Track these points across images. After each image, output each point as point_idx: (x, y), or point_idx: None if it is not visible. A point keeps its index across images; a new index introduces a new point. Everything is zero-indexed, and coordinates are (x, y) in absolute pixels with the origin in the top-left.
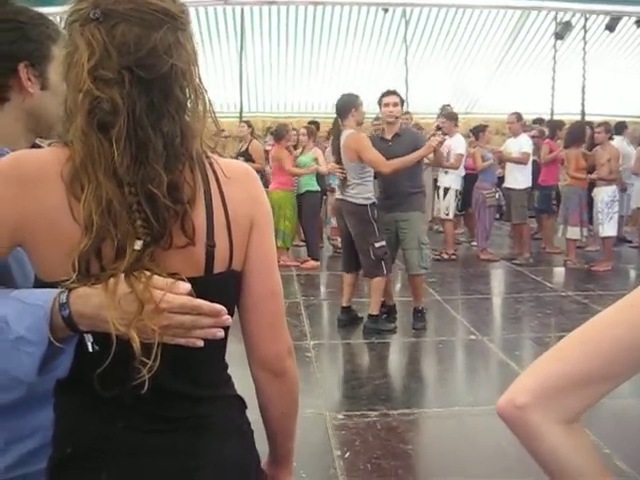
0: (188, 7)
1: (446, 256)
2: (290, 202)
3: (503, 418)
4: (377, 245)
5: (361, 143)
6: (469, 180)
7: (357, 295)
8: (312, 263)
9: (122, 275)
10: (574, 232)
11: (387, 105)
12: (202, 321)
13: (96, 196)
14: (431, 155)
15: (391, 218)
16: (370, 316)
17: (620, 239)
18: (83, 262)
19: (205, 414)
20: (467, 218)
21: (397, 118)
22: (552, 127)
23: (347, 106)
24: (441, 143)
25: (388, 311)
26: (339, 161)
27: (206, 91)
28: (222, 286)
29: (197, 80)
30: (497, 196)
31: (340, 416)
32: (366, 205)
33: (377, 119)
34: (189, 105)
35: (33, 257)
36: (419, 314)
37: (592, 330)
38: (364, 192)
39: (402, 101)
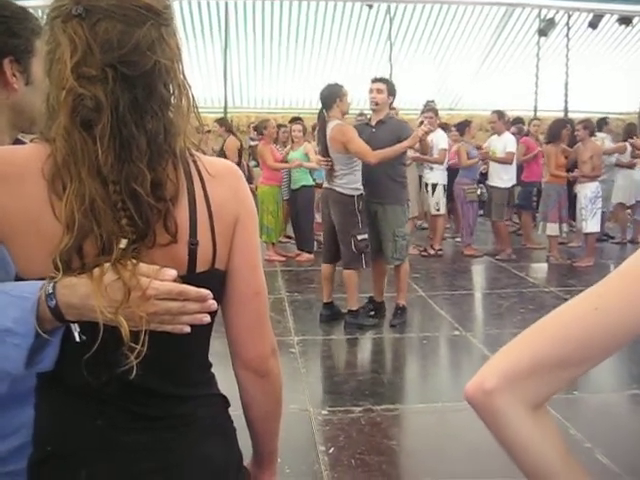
0: (172, 2)
1: (432, 251)
2: (274, 197)
3: (471, 403)
4: (359, 237)
5: (347, 134)
6: (451, 174)
7: (341, 291)
8: (306, 256)
9: (108, 264)
10: (553, 229)
11: (371, 91)
12: (189, 307)
13: (79, 194)
14: (417, 146)
15: (372, 207)
16: (350, 311)
17: (604, 235)
18: (64, 260)
19: (187, 413)
20: (453, 212)
21: (378, 105)
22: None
23: (332, 96)
24: (427, 133)
25: (376, 308)
26: (324, 152)
27: (190, 87)
28: (205, 285)
29: (181, 76)
30: (479, 192)
31: (324, 412)
32: (353, 196)
33: (361, 115)
34: (173, 101)
35: (14, 254)
36: (398, 311)
37: (562, 316)
38: (352, 182)
39: (391, 90)
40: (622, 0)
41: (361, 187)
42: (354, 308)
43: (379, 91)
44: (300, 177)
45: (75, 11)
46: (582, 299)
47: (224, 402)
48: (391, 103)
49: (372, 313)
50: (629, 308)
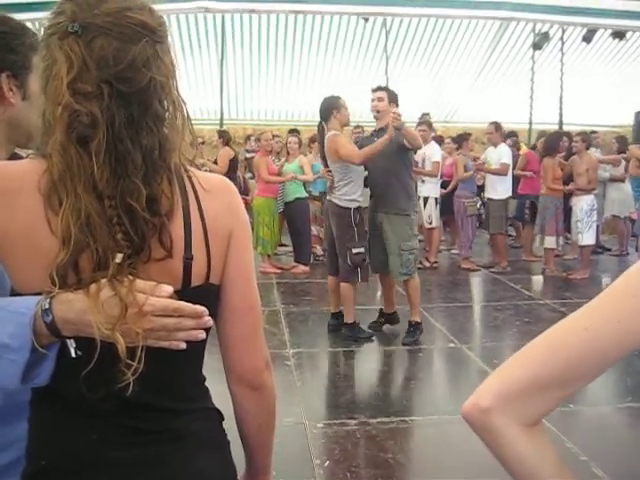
0: (169, 15)
1: (428, 264)
2: (269, 209)
3: (467, 421)
4: (354, 251)
5: (337, 141)
6: (446, 187)
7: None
8: (302, 268)
9: (104, 280)
10: (550, 241)
11: (373, 100)
12: (184, 323)
13: (75, 209)
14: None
15: (377, 219)
16: (346, 324)
17: (600, 247)
18: (60, 275)
19: (181, 427)
20: (450, 224)
21: (379, 112)
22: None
23: (329, 109)
24: (397, 120)
25: (388, 320)
26: (326, 164)
27: (185, 103)
28: (200, 299)
29: (176, 92)
30: (478, 205)
31: (320, 425)
32: (350, 208)
33: (357, 127)
34: (168, 117)
35: (10, 268)
36: (411, 328)
37: (555, 335)
38: (349, 194)
39: (392, 98)
40: (616, 15)
41: (359, 199)
42: (350, 321)
43: (380, 99)
44: (294, 189)
45: (71, 28)
46: (573, 319)
47: (218, 416)
48: None
49: (385, 324)
50: (618, 327)
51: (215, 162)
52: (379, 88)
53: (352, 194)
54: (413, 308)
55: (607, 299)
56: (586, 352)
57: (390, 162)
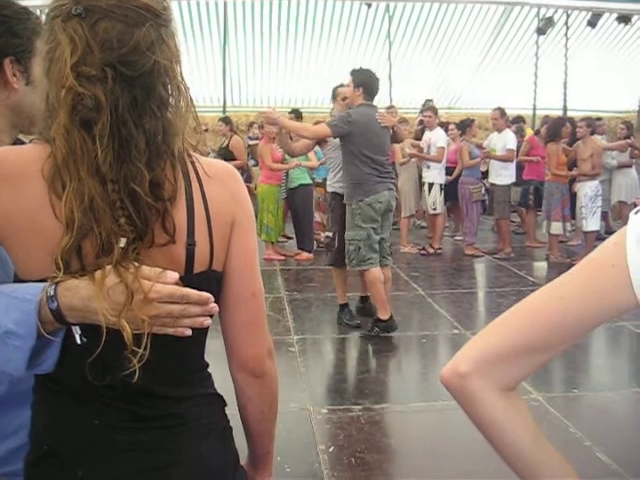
0: (171, 0)
1: (431, 250)
2: (274, 196)
3: (446, 386)
4: (324, 234)
5: None
6: (450, 173)
7: (354, 290)
8: (306, 255)
9: (110, 266)
10: (556, 227)
11: None
12: (190, 310)
13: (78, 193)
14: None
15: None
16: (339, 305)
17: (611, 232)
18: (65, 260)
19: (184, 412)
20: (453, 210)
21: (345, 99)
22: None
23: (332, 98)
24: (264, 117)
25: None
26: None
27: (188, 88)
28: (202, 286)
29: (179, 77)
30: (482, 191)
31: (324, 410)
32: (330, 192)
33: None
34: (171, 102)
35: (14, 254)
36: (370, 324)
37: (531, 304)
38: (331, 179)
39: (358, 81)
40: None
41: (334, 185)
42: (340, 302)
43: (348, 85)
44: (298, 176)
45: (75, 11)
46: (550, 288)
47: (221, 402)
48: (369, 96)
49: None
50: (593, 295)
51: (232, 157)
52: (350, 72)
53: (332, 179)
54: (375, 302)
55: (585, 269)
56: (563, 320)
57: (338, 153)
